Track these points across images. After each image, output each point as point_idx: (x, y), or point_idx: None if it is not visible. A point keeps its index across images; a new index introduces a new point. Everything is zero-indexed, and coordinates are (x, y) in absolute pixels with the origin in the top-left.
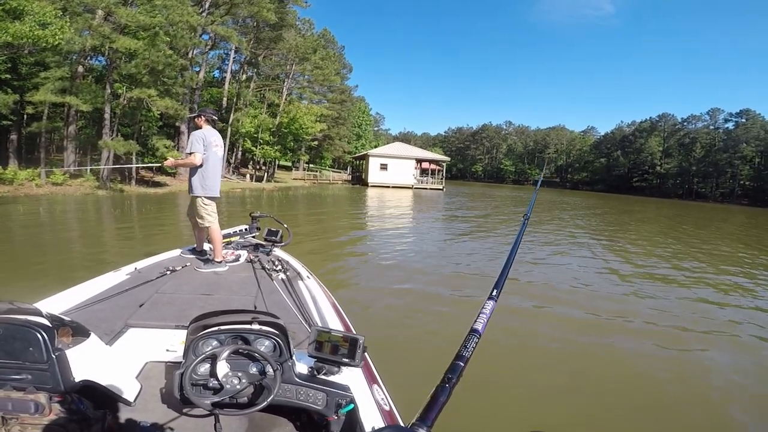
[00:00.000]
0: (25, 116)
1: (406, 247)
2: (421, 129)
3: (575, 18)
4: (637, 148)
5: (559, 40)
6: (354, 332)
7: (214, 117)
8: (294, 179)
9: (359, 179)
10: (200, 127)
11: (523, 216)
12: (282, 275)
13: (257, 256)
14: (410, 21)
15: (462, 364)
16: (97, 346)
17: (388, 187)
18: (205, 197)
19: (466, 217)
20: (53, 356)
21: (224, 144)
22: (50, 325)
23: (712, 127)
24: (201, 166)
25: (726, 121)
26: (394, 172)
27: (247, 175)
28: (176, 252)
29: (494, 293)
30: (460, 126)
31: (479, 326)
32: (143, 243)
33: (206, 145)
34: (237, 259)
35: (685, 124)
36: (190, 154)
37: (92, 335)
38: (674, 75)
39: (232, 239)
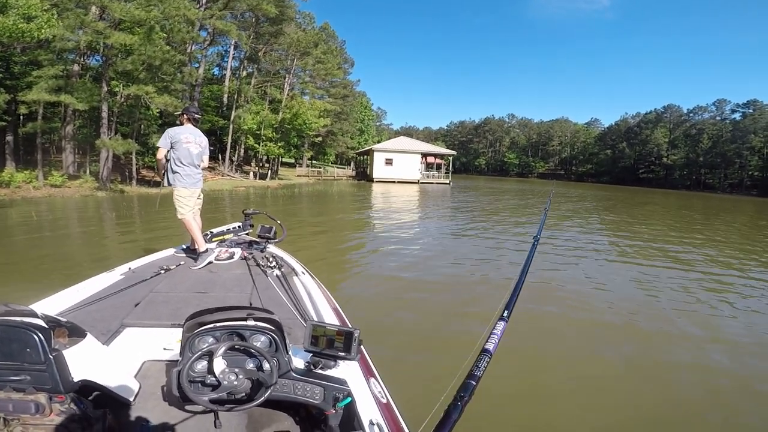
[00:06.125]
0: (20, 117)
1: (420, 252)
2: (423, 123)
3: (571, 11)
4: (643, 140)
5: (558, 34)
6: (350, 326)
7: (196, 116)
8: (298, 176)
9: (364, 175)
10: (182, 124)
11: (533, 237)
12: (277, 271)
13: (251, 253)
14: (409, 16)
15: (474, 383)
16: (94, 346)
17: (394, 182)
18: (176, 188)
19: (482, 220)
20: (51, 357)
21: (208, 142)
22: (46, 326)
23: (718, 118)
24: (169, 160)
25: (733, 111)
26: (400, 167)
27: (251, 173)
28: (170, 251)
29: (505, 314)
30: (463, 120)
31: (490, 346)
32: (145, 244)
33: (175, 141)
34: (231, 257)
35: (691, 115)
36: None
37: (88, 335)
38: (678, 66)
39: (226, 237)
